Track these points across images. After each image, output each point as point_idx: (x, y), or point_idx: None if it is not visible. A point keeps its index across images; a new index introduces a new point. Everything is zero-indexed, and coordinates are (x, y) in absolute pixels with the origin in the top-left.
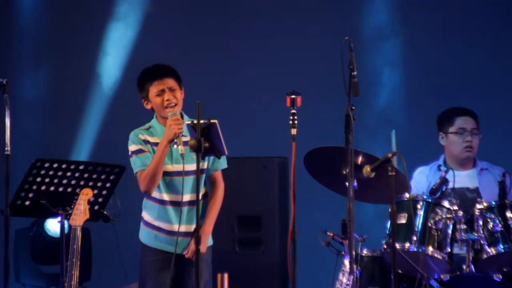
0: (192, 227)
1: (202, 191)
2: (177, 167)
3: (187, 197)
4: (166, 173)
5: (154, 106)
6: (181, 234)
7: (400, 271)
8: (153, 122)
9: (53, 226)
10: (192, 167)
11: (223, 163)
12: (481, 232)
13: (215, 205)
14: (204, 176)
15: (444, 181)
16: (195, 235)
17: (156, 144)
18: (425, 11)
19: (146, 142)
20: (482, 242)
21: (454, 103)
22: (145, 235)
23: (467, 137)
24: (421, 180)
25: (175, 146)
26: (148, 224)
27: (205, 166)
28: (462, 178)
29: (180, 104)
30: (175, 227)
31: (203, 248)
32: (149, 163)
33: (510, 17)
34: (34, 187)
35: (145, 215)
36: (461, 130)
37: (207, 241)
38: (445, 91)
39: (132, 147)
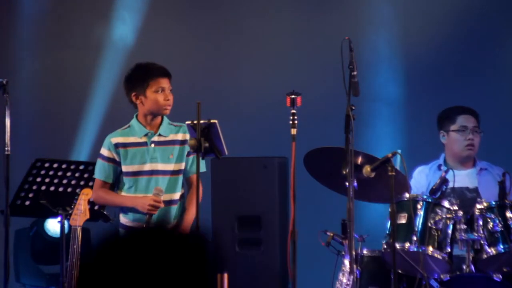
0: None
1: (181, 191)
2: (146, 167)
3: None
4: (134, 173)
5: (150, 102)
6: None
7: (400, 271)
8: (133, 121)
9: (53, 226)
10: (162, 166)
11: (201, 166)
12: (481, 232)
13: (189, 204)
14: (181, 177)
15: (444, 181)
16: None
17: (131, 144)
18: (424, 8)
19: (117, 145)
20: (482, 242)
21: (454, 102)
22: None
23: (468, 135)
24: (421, 179)
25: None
26: (125, 227)
27: (182, 167)
28: (461, 178)
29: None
30: None
31: None
32: (109, 195)
33: (510, 14)
34: (34, 187)
35: (122, 218)
36: (463, 128)
37: None
38: (445, 90)
39: (102, 150)
